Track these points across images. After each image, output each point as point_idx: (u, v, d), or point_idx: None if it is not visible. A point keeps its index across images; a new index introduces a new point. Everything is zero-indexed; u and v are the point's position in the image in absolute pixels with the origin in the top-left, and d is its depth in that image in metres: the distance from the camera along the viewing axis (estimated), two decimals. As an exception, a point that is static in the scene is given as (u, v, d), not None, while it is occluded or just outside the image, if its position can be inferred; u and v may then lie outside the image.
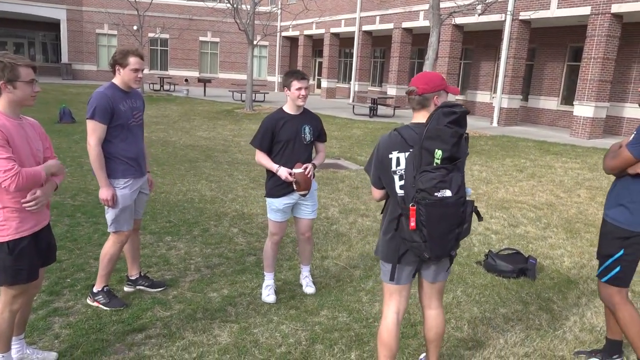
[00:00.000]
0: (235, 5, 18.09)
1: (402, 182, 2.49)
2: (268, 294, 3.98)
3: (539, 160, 10.73)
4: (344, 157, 10.65)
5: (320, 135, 3.93)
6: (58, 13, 30.93)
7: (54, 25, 32.16)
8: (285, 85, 3.76)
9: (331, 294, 4.12)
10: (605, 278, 2.98)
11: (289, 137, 3.73)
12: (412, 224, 2.36)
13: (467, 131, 2.40)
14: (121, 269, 4.33)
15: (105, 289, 3.73)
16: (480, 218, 2.57)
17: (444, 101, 2.53)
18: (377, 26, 24.01)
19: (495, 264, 4.64)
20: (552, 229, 6.17)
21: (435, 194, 2.30)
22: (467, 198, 2.42)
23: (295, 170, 3.71)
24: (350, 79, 29.30)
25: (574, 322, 3.81)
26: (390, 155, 2.54)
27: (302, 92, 3.66)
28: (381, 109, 21.12)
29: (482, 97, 21.55)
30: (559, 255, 5.26)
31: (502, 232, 5.92)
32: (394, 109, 19.87)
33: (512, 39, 16.82)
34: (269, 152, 3.80)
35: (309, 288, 4.15)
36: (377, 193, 2.73)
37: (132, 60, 3.43)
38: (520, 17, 16.52)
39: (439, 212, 2.32)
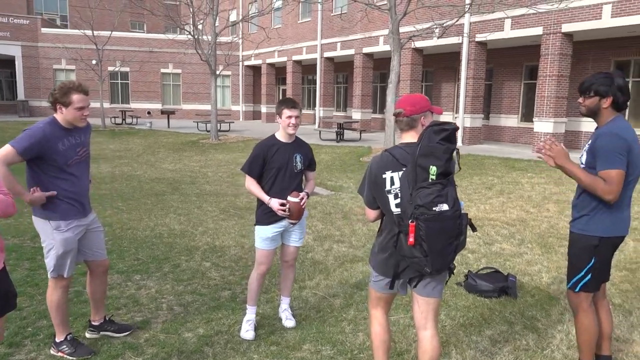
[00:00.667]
0: (196, 37, 18.03)
1: (398, 201, 2.56)
2: (247, 330, 3.81)
3: (505, 177, 10.89)
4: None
5: (310, 164, 3.89)
6: (13, 50, 30.19)
7: (9, 62, 31.33)
8: (277, 113, 3.72)
9: (312, 326, 3.96)
10: (578, 288, 3.02)
11: (281, 165, 3.67)
12: (411, 239, 2.41)
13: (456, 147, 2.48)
14: (87, 313, 4.07)
15: (68, 337, 3.47)
16: (474, 229, 2.63)
17: (431, 121, 2.59)
18: (338, 52, 24.36)
19: (476, 284, 4.58)
20: (527, 244, 6.19)
21: (434, 208, 2.37)
22: (462, 211, 2.50)
23: (291, 199, 3.64)
24: (314, 105, 29.48)
25: (560, 339, 3.75)
26: (384, 175, 2.61)
27: (293, 120, 3.62)
28: (347, 134, 21.27)
29: (444, 117, 21.98)
30: (537, 271, 5.25)
31: (479, 251, 5.90)
32: (360, 133, 20.01)
33: (470, 60, 17.28)
34: (260, 179, 3.73)
35: (288, 321, 3.98)
36: (372, 213, 2.76)
37: (76, 98, 3.14)
38: (477, 39, 17.02)
39: (438, 226, 2.39)
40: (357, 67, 22.94)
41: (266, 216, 3.73)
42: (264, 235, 3.76)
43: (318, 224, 7.10)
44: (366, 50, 22.35)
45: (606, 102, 2.85)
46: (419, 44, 18.91)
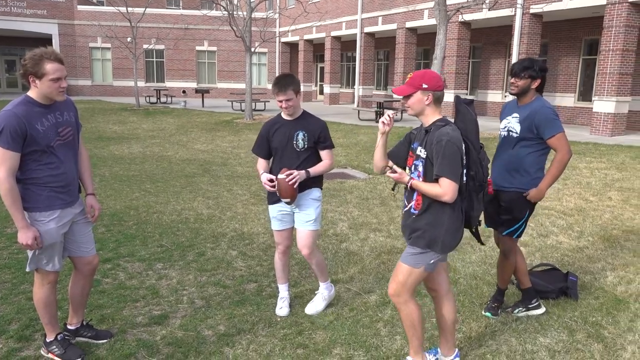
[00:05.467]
0: (230, 12, 17.63)
1: (464, 170, 2.72)
2: (280, 307, 3.80)
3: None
4: (350, 165, 10.09)
5: (320, 142, 3.61)
6: (49, 28, 30.47)
7: (46, 40, 31.61)
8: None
9: (344, 327, 3.55)
10: (515, 235, 3.63)
11: (280, 143, 3.60)
12: (491, 189, 3.05)
13: (482, 132, 2.37)
14: (104, 305, 3.80)
15: (59, 337, 3.14)
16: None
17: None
18: (379, 27, 23.50)
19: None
20: (587, 237, 5.57)
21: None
22: None
23: (279, 176, 3.47)
24: (353, 84, 28.77)
25: (632, 353, 3.22)
26: (463, 148, 2.70)
27: (283, 104, 3.50)
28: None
29: (493, 96, 20.95)
30: (600, 269, 4.66)
31: (532, 244, 5.33)
32: (402, 113, 19.27)
33: (523, 34, 16.21)
34: (270, 159, 3.74)
35: (316, 304, 3.86)
36: (457, 189, 2.67)
37: (50, 68, 2.73)
38: (532, 11, 15.92)
39: None
40: (400, 43, 22.04)
41: (270, 195, 3.72)
42: (270, 214, 3.77)
43: (354, 210, 6.65)
44: (409, 24, 21.41)
45: (535, 84, 3.50)
46: (467, 16, 17.92)
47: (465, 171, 2.71)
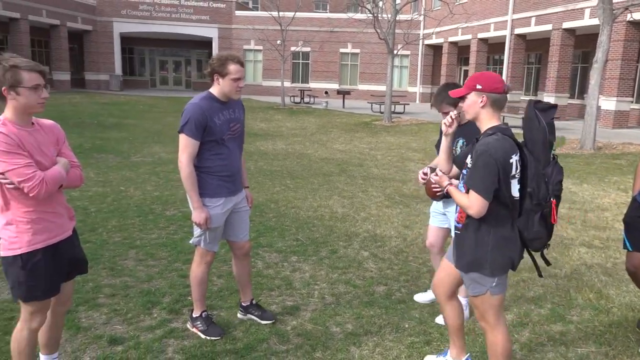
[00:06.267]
0: (375, 15, 17.78)
1: (518, 185, 2.49)
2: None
3: None
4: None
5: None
6: (210, 32, 33.55)
7: (207, 43, 34.94)
8: None
9: (475, 343, 3.39)
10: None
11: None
12: (555, 217, 2.53)
13: None
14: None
15: (203, 314, 3.44)
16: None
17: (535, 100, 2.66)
18: (532, 28, 21.96)
19: None
20: None
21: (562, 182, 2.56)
22: None
23: (432, 176, 3.29)
24: (498, 88, 27.24)
25: None
26: (511, 160, 2.43)
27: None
28: None
29: (660, 105, 18.46)
30: None
31: None
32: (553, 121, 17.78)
33: None
34: None
35: None
36: (486, 205, 2.43)
37: (232, 69, 3.08)
38: None
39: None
40: (554, 45, 20.38)
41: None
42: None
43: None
44: (567, 25, 19.70)
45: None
46: (638, 15, 15.98)
47: (519, 186, 2.47)
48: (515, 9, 22.90)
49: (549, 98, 20.65)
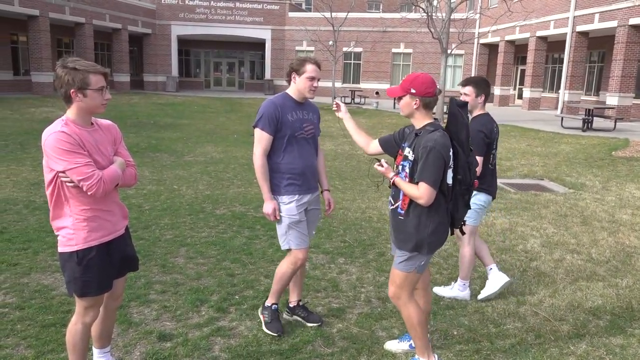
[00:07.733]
0: (429, 14, 17.47)
1: (452, 174, 2.78)
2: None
3: None
4: (548, 177, 9.20)
5: None
6: (264, 33, 34.11)
7: (260, 45, 35.50)
8: None
9: (528, 354, 3.24)
10: None
11: None
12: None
13: None
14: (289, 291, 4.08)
15: (273, 307, 3.50)
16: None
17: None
18: (595, 25, 20.94)
19: None
20: None
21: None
22: None
23: None
24: (558, 88, 26.19)
25: None
26: (450, 153, 2.73)
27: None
28: (597, 122, 17.66)
29: None
30: None
31: None
32: (615, 121, 16.85)
33: None
34: None
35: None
36: (434, 194, 2.72)
37: (309, 68, 3.26)
38: None
39: None
40: (620, 43, 19.33)
41: None
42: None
43: (548, 227, 6.04)
44: (634, 21, 18.65)
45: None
46: None
47: (452, 174, 2.77)
48: (578, 5, 21.92)
49: (612, 98, 19.63)
